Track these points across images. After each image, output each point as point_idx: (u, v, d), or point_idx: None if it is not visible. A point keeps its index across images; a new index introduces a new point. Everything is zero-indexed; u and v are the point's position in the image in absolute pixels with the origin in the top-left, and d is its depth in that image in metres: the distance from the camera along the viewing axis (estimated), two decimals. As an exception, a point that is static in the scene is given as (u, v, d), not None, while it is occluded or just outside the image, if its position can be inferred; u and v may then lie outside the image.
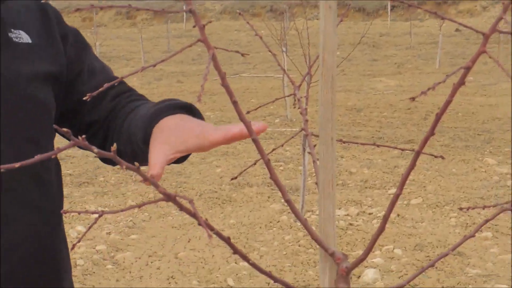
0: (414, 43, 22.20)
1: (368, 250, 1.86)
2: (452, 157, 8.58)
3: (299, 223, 6.28)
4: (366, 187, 7.49)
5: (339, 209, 6.74)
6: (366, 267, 5.27)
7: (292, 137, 1.35)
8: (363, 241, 5.84)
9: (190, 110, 1.61)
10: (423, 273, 5.19)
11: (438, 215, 6.51)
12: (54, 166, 1.73)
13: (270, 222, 6.34)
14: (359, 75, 16.44)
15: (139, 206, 1.33)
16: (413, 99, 1.03)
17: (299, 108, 2.24)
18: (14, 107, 1.58)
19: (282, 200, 7.05)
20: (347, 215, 6.56)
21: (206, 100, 13.03)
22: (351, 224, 6.29)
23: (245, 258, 1.57)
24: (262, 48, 20.69)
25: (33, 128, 1.62)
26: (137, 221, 6.43)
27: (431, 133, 1.67)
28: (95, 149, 0.75)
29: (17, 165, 0.78)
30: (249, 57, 19.75)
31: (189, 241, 5.92)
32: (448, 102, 1.62)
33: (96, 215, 1.08)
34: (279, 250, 5.68)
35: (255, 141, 1.64)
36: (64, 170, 7.88)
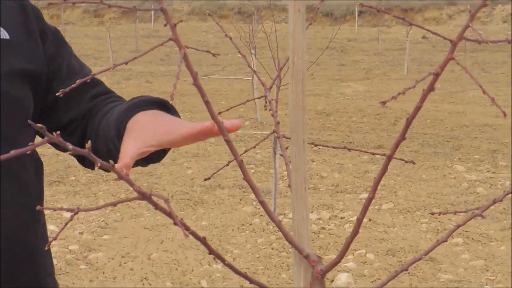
0: (382, 49, 22.35)
1: (343, 253, 1.86)
2: (421, 163, 8.65)
3: (271, 226, 6.29)
4: (337, 191, 7.52)
5: (311, 212, 6.76)
6: (339, 271, 5.30)
7: (264, 139, 1.36)
8: (335, 245, 5.87)
9: (164, 106, 1.61)
10: (396, 278, 5.23)
11: (410, 220, 6.56)
12: (33, 164, 1.71)
13: (243, 224, 6.34)
14: (328, 79, 16.51)
15: (114, 204, 1.32)
16: (384, 103, 1.04)
17: (270, 110, 2.24)
18: None
19: (254, 203, 7.06)
20: (319, 219, 6.59)
21: (176, 101, 12.99)
22: (323, 228, 6.31)
23: (220, 258, 1.56)
24: (231, 50, 20.70)
25: (9, 126, 1.60)
26: (109, 221, 6.40)
27: (402, 137, 1.67)
28: (70, 146, 0.75)
29: None
30: (218, 59, 19.75)
31: (161, 243, 5.91)
32: (418, 108, 1.64)
33: (71, 213, 1.08)
34: (252, 253, 5.68)
35: (228, 142, 1.64)
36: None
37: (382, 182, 7.81)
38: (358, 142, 9.83)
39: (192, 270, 5.30)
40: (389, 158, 1.66)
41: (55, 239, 0.93)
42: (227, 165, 1.36)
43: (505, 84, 14.75)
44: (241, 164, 1.83)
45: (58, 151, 8.29)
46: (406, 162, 1.61)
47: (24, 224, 1.63)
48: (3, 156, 0.71)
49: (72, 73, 1.77)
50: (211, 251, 1.39)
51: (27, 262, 1.64)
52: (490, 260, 5.51)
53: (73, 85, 0.84)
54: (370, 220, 6.49)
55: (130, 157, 1.44)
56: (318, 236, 6.08)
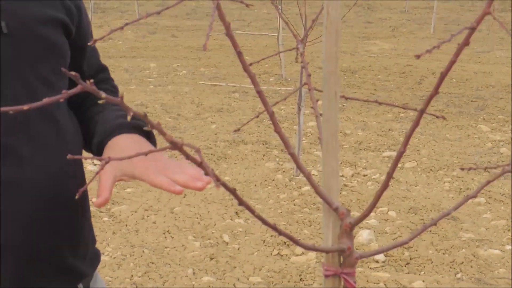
0: (409, 7, 22.12)
1: (372, 206, 1.87)
2: (445, 123, 8.61)
3: (294, 182, 6.31)
4: (360, 149, 7.52)
5: (334, 170, 6.76)
6: (361, 228, 5.32)
7: (294, 91, 1.36)
8: (357, 202, 5.88)
9: (146, 134, 1.72)
10: (418, 236, 5.24)
11: (432, 179, 6.55)
12: (70, 113, 1.74)
13: (265, 180, 6.37)
14: (354, 37, 16.39)
15: (146, 153, 1.33)
16: (418, 56, 1.04)
17: (301, 62, 2.24)
18: (26, 47, 1.58)
19: (277, 159, 7.08)
20: (342, 176, 6.60)
21: (201, 56, 12.99)
22: (345, 185, 6.33)
23: (250, 209, 1.58)
24: (257, 4, 20.57)
25: (46, 69, 1.62)
26: (132, 174, 6.44)
27: (435, 92, 1.67)
28: (103, 94, 0.76)
29: (25, 107, 0.79)
30: (243, 14, 19.66)
31: (184, 197, 5.95)
32: (452, 62, 1.62)
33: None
34: (274, 208, 5.71)
35: (259, 93, 1.65)
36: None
37: (400, 139, 7.80)
38: (383, 100, 9.75)
39: (214, 224, 5.34)
40: (421, 112, 1.65)
41: (91, 181, 0.95)
42: (257, 116, 1.38)
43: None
44: (272, 116, 1.84)
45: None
46: (437, 117, 1.60)
47: (63, 168, 1.66)
48: (39, 103, 0.72)
49: (92, 52, 1.86)
50: (240, 202, 1.40)
51: (64, 204, 1.67)
52: (512, 220, 5.51)
53: (90, 43, 0.87)
54: (393, 178, 6.48)
55: (109, 191, 1.56)
56: (340, 193, 6.09)
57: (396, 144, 7.62)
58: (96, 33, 10.43)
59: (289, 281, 4.42)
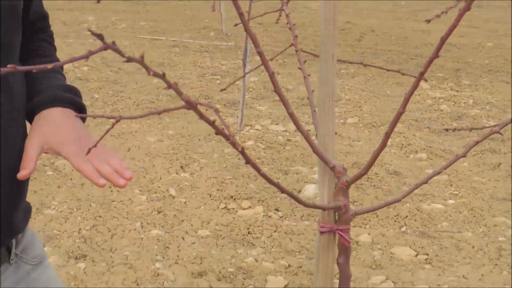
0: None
1: (369, 165, 1.88)
2: (386, 80, 8.69)
3: (238, 137, 6.32)
4: (303, 104, 7.54)
5: (277, 124, 6.79)
6: (306, 182, 5.36)
7: (284, 50, 1.36)
8: (301, 157, 5.91)
9: (80, 108, 1.72)
10: (362, 190, 5.31)
11: (374, 135, 6.62)
12: (22, 76, 1.69)
13: (209, 134, 6.35)
14: (293, -7, 16.37)
15: (159, 112, 1.32)
16: (428, 21, 1.04)
17: (287, 23, 2.24)
18: None
19: (220, 114, 7.04)
20: (285, 131, 6.62)
21: (140, 10, 12.84)
22: (289, 140, 6.35)
23: (256, 169, 1.57)
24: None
25: (8, 33, 1.58)
26: (75, 128, 6.35)
27: (435, 55, 1.69)
28: (126, 54, 0.75)
29: (50, 66, 0.77)
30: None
31: (128, 150, 5.90)
32: (454, 26, 1.64)
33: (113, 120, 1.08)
34: (219, 162, 5.71)
35: (260, 54, 1.64)
36: None
37: (347, 97, 7.86)
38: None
39: (160, 178, 5.32)
40: (421, 74, 1.66)
41: (100, 139, 0.92)
42: (243, 76, 1.37)
43: (474, 5, 14.74)
44: (272, 76, 1.82)
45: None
46: (413, 77, 1.61)
47: (16, 133, 1.62)
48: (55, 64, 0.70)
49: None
50: (248, 161, 1.39)
51: (10, 155, 1.62)
52: (453, 175, 5.61)
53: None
54: (336, 133, 6.53)
55: (34, 162, 1.58)
56: (284, 148, 6.12)
57: (337, 99, 7.67)
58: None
59: (237, 234, 4.44)
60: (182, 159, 5.70)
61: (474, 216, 4.82)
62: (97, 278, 3.82)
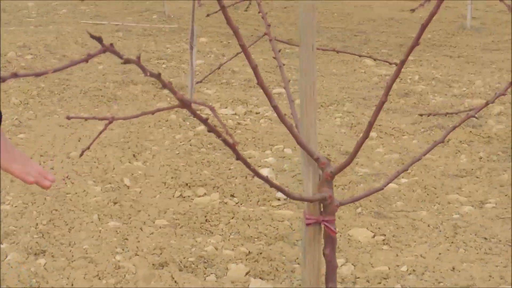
0: None
1: (353, 155, 1.90)
2: (331, 58, 8.74)
3: (188, 122, 6.30)
4: (250, 87, 7.55)
5: (226, 108, 6.79)
6: (260, 166, 5.38)
7: (258, 39, 1.36)
8: (253, 141, 5.93)
9: None
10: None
11: (324, 115, 6.66)
12: None
13: (159, 121, 6.32)
14: (232, -29, 16.31)
15: (153, 112, 1.32)
16: (413, 10, 1.06)
17: (259, 12, 2.25)
18: None
19: (168, 99, 7.03)
20: (235, 114, 6.62)
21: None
22: (239, 124, 6.35)
23: (246, 164, 1.58)
24: None
25: None
26: (23, 120, 6.27)
27: (416, 43, 1.70)
28: (124, 56, 0.75)
29: (50, 71, 0.77)
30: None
31: (79, 140, 5.86)
32: (438, 6, 1.64)
33: (106, 121, 1.08)
34: (171, 149, 5.69)
35: (242, 47, 1.64)
36: None
37: (293, 77, 7.88)
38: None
39: (113, 168, 5.29)
40: (402, 62, 1.68)
41: (92, 143, 0.92)
42: (219, 68, 1.37)
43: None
44: (255, 69, 1.82)
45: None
46: (390, 64, 1.62)
47: None
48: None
49: None
50: (238, 157, 1.39)
51: None
52: (404, 153, 5.68)
53: None
54: (285, 114, 6.55)
55: None
56: (235, 132, 6.13)
57: (285, 80, 7.67)
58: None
59: (195, 223, 4.44)
60: (134, 147, 5.67)
61: (428, 194, 4.89)
62: (58, 274, 3.80)
